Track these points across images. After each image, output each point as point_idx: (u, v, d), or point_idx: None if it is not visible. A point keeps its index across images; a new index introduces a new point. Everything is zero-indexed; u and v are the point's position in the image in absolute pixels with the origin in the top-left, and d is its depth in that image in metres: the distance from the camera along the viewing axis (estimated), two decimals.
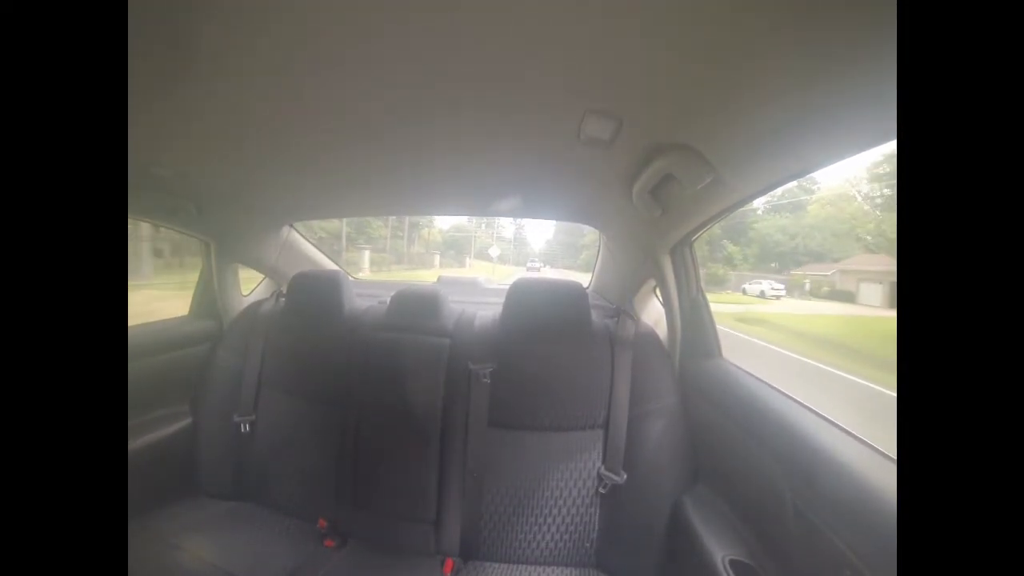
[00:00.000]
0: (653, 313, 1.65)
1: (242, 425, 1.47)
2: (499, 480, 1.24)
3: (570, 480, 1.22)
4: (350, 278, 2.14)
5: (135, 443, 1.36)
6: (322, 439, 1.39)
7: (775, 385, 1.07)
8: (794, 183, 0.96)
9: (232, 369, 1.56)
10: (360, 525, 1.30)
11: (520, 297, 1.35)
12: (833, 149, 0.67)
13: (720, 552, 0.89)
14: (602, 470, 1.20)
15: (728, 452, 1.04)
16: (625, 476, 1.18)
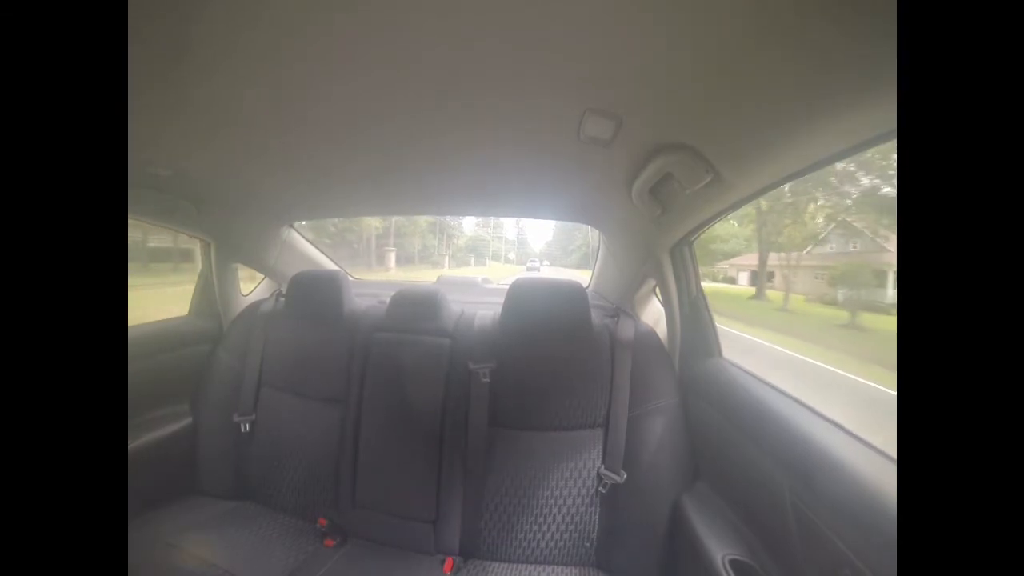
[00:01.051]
0: (653, 313, 1.65)
1: (242, 425, 1.47)
2: (499, 479, 1.24)
3: (570, 479, 1.22)
4: (350, 278, 2.14)
5: (135, 443, 1.35)
6: (322, 439, 1.40)
7: (776, 384, 1.07)
8: None
9: (232, 369, 1.56)
10: (360, 524, 1.30)
11: (520, 297, 1.35)
12: (832, 148, 0.67)
13: (720, 551, 0.89)
14: (602, 469, 1.20)
15: (728, 451, 1.04)
16: (625, 475, 1.18)
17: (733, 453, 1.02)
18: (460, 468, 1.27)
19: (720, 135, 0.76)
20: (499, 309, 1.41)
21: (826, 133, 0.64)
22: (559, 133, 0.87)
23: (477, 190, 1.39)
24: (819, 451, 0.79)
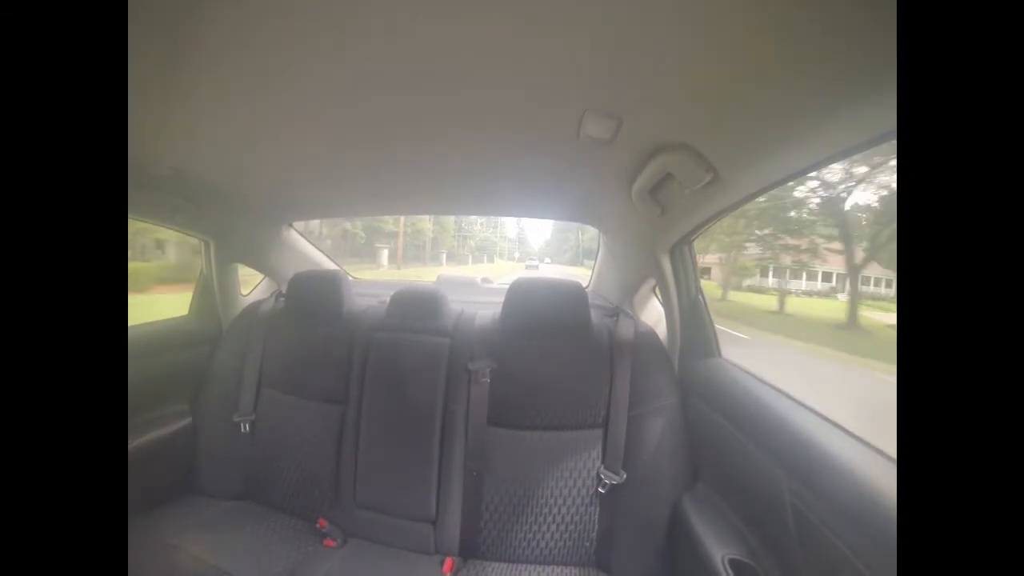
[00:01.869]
0: (653, 313, 1.65)
1: (242, 425, 1.47)
2: (498, 479, 1.24)
3: (570, 479, 1.22)
4: (349, 277, 2.14)
5: (135, 443, 1.35)
6: (322, 439, 1.39)
7: (775, 385, 1.07)
8: None
9: (232, 369, 1.56)
10: (360, 524, 1.30)
11: (520, 297, 1.35)
12: (832, 149, 0.67)
13: (720, 551, 0.89)
14: (602, 469, 1.20)
15: (727, 451, 1.04)
16: (625, 475, 1.18)
17: (733, 453, 1.02)
18: (460, 468, 1.27)
19: (720, 135, 0.76)
20: (498, 308, 1.41)
21: (826, 133, 0.64)
22: (559, 133, 0.87)
23: (477, 189, 1.39)
24: (819, 451, 0.79)
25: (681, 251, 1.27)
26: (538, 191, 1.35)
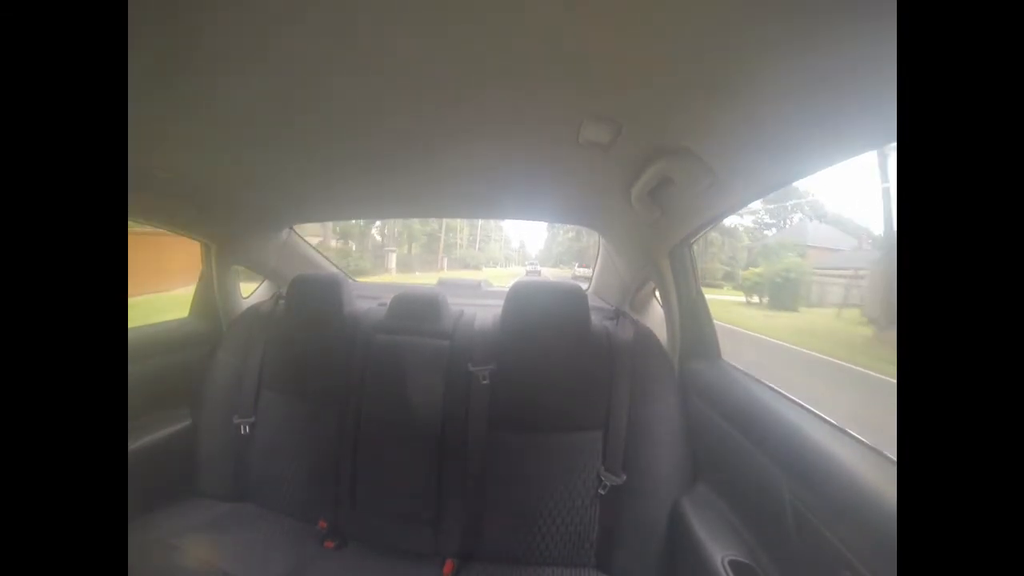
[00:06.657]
0: (653, 315, 1.65)
1: (242, 427, 1.47)
2: (499, 481, 1.24)
3: (570, 481, 1.22)
4: (350, 280, 2.14)
5: (135, 444, 1.35)
6: (322, 441, 1.39)
7: (774, 386, 1.07)
8: None
9: (232, 371, 1.56)
10: (360, 526, 1.30)
11: (520, 299, 1.35)
12: (832, 152, 0.68)
13: (720, 552, 0.89)
14: (602, 471, 1.20)
15: (727, 453, 1.04)
16: (625, 477, 1.18)
17: (732, 455, 1.01)
18: (459, 470, 1.27)
19: (719, 139, 0.76)
20: (498, 311, 1.41)
21: (825, 136, 0.64)
22: (558, 138, 0.88)
23: (479, 193, 1.39)
24: (818, 452, 0.79)
25: (681, 253, 1.27)
26: (538, 195, 1.35)
